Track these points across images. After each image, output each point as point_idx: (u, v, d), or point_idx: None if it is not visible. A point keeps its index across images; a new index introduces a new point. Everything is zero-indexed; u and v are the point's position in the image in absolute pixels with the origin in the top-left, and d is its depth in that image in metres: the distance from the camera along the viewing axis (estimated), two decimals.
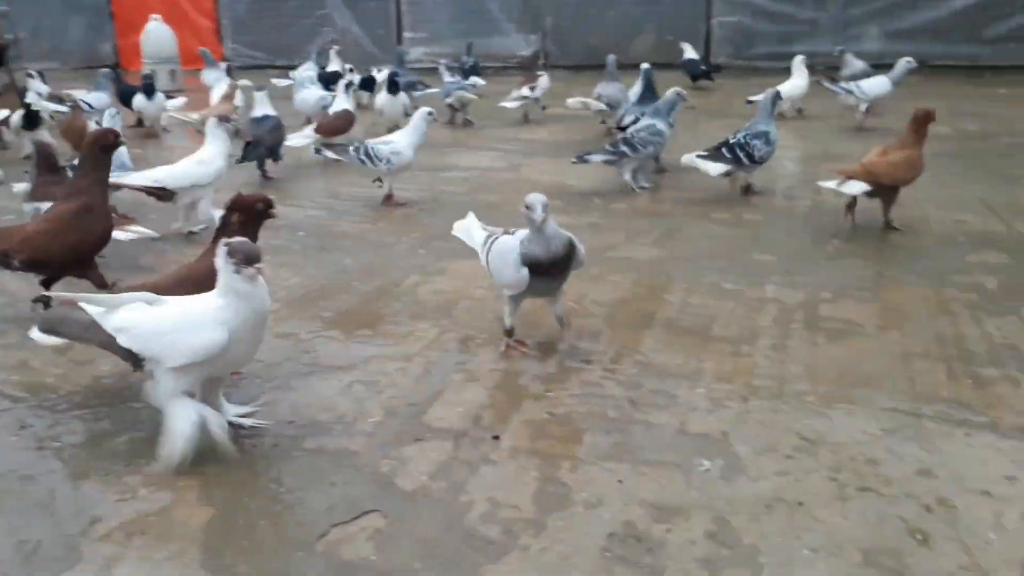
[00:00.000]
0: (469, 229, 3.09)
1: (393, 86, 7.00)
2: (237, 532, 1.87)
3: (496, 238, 2.84)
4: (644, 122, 5.22)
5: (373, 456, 2.18)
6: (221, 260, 2.05)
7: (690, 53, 10.01)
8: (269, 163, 5.59)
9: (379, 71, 8.68)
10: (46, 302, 2.87)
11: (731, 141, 4.70)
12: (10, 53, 7.31)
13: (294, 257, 3.91)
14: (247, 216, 2.60)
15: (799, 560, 1.75)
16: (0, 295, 3.43)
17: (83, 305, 2.18)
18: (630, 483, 2.03)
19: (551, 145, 6.79)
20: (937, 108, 4.06)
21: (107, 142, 3.19)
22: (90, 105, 7.30)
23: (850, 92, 6.92)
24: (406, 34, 12.94)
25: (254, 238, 2.49)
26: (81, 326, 2.20)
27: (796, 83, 7.51)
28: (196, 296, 2.16)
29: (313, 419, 2.38)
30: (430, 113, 4.81)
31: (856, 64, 8.36)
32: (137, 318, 2.13)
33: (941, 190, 4.78)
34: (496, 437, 2.26)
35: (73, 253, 3.11)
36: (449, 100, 7.76)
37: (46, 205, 3.60)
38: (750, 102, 7.08)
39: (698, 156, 4.70)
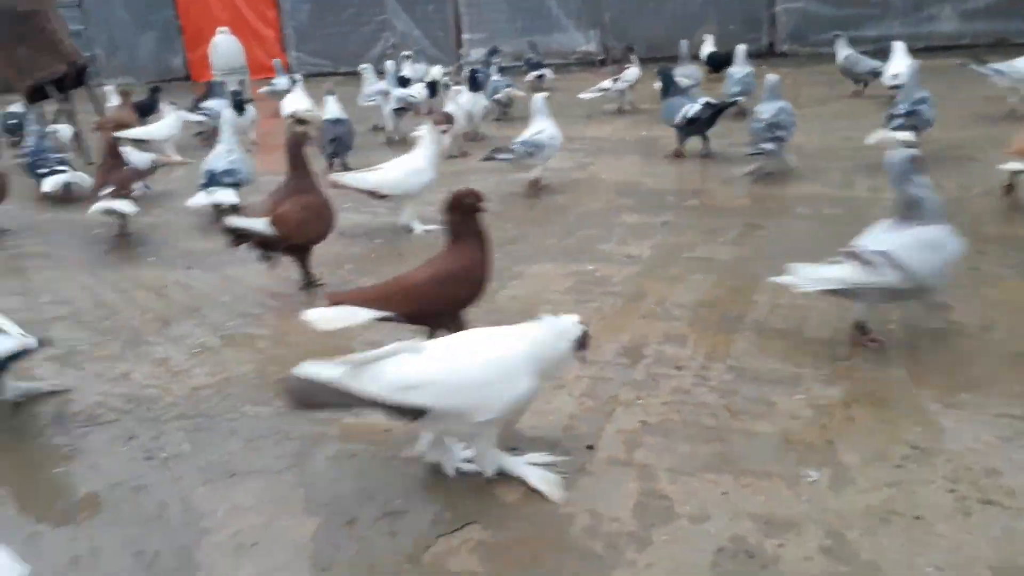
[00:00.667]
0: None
1: (474, 83, 7.02)
2: (345, 543, 1.89)
3: None
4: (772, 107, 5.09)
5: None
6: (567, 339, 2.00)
7: (710, 46, 9.74)
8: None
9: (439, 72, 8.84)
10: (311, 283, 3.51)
11: (901, 111, 4.89)
12: (89, 71, 7.57)
13: (371, 265, 3.95)
14: (464, 212, 2.59)
15: None
16: (100, 307, 3.55)
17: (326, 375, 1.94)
18: (735, 495, 1.98)
19: (618, 143, 6.72)
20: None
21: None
22: (206, 113, 7.50)
23: (1001, 73, 6.49)
24: (465, 35, 12.98)
25: (477, 233, 2.59)
26: (332, 392, 1.92)
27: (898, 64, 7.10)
28: (484, 340, 2.05)
29: (408, 428, 2.39)
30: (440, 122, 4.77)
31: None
32: (433, 372, 1.94)
33: None
34: (590, 447, 2.24)
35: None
36: (498, 96, 7.90)
37: None
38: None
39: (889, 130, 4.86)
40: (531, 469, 2.08)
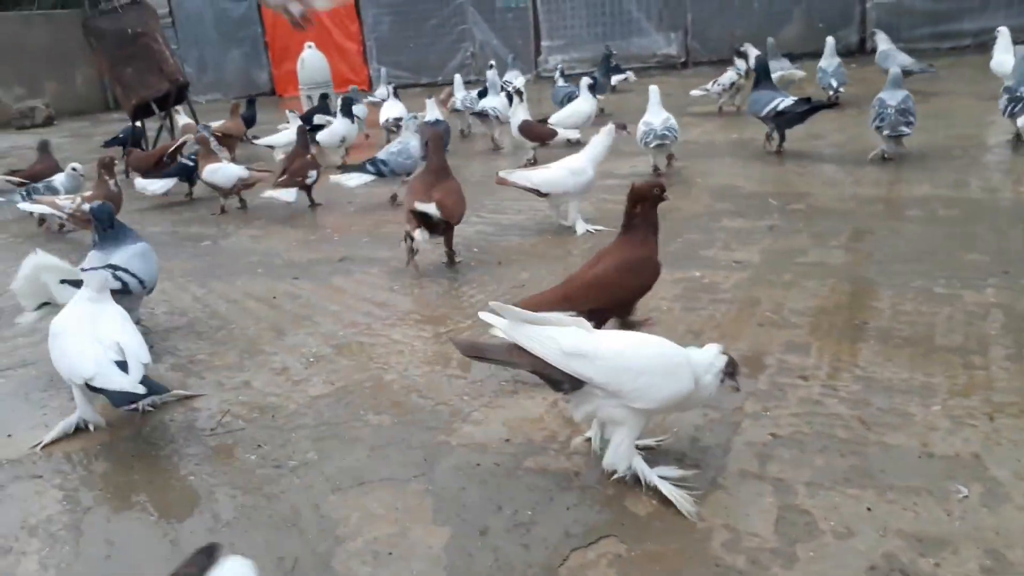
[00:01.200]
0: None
1: (593, 88, 7.04)
2: (480, 555, 1.89)
3: None
4: None
5: (595, 477, 2.15)
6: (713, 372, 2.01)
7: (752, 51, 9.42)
8: None
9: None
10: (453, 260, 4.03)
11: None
12: (188, 90, 7.90)
13: (473, 274, 3.97)
14: (647, 204, 2.69)
15: None
16: (214, 318, 3.67)
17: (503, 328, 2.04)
18: (880, 511, 1.90)
19: (707, 145, 6.60)
20: None
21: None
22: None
23: None
24: (543, 42, 13.02)
25: (654, 224, 2.71)
26: (500, 349, 2.07)
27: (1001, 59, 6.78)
28: (658, 340, 2.08)
29: (528, 437, 2.39)
30: (622, 127, 4.70)
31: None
32: (603, 348, 1.99)
33: None
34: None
35: None
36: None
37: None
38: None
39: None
40: (664, 481, 2.03)
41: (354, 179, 5.27)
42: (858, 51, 11.22)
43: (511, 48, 12.96)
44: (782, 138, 5.91)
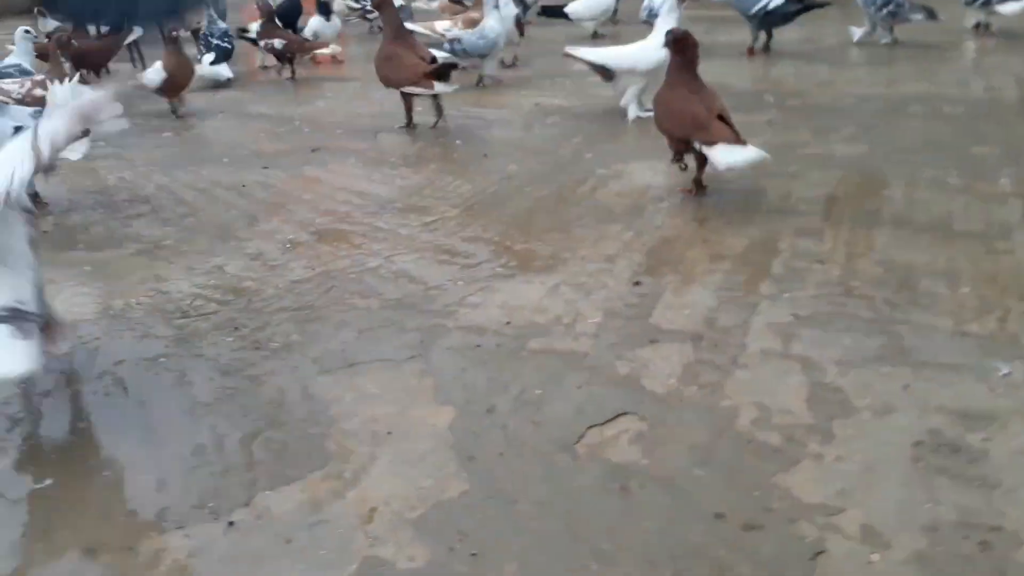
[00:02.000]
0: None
1: None
2: (488, 434, 1.73)
3: None
4: None
5: (606, 358, 1.99)
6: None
7: None
8: None
9: None
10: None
11: None
12: None
13: (457, 166, 3.73)
14: (687, 51, 3.05)
15: None
16: (180, 205, 3.40)
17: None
18: (918, 388, 1.77)
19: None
20: None
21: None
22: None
23: None
24: None
25: (694, 72, 3.05)
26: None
27: None
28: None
29: (529, 320, 2.21)
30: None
31: None
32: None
33: None
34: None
35: None
36: None
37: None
38: None
39: None
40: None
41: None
42: None
43: None
44: (769, 37, 5.67)
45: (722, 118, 2.87)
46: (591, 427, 1.73)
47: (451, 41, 5.24)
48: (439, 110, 4.31)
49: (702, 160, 2.95)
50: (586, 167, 3.55)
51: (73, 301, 2.52)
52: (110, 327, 2.34)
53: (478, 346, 2.09)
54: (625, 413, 1.77)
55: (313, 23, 6.94)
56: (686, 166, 3.07)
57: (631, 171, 3.43)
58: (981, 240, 2.49)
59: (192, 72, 5.18)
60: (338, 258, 2.73)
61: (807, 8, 5.52)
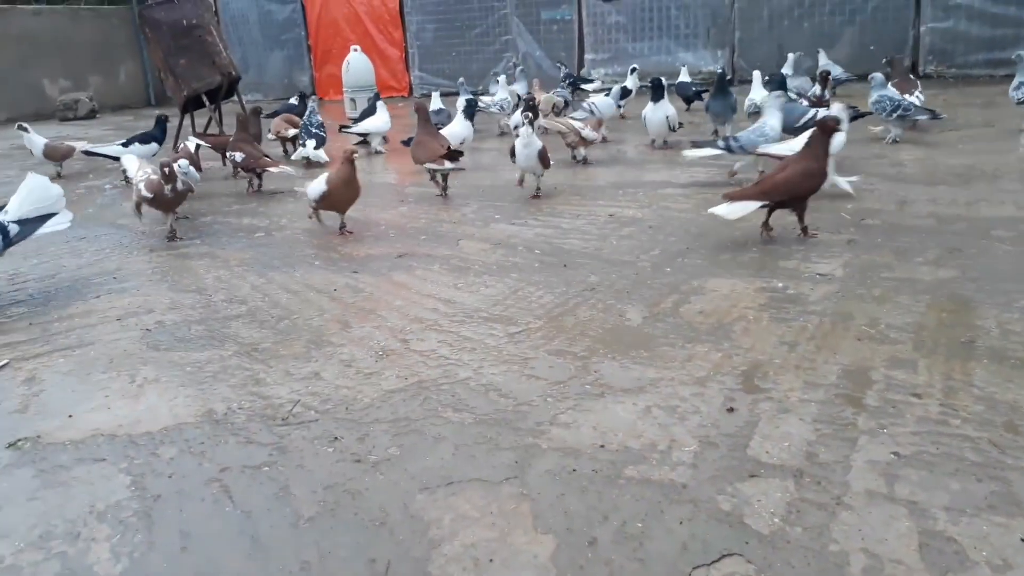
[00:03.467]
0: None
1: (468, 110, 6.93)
2: (592, 568, 1.72)
3: None
4: None
5: (707, 491, 1.98)
6: None
7: (683, 76, 9.45)
8: None
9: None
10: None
11: None
12: (239, 85, 7.85)
13: (540, 276, 3.82)
14: (827, 132, 4.02)
15: None
16: (275, 307, 3.55)
17: None
18: None
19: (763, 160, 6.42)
20: None
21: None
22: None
23: None
24: (588, 55, 12.92)
25: (826, 147, 4.03)
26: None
27: None
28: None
29: (624, 444, 2.22)
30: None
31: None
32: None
33: None
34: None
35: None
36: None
37: None
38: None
39: None
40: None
41: (701, 152, 5.56)
42: (911, 75, 11.01)
43: (554, 59, 12.88)
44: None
45: None
46: (697, 567, 1.71)
47: (725, 139, 5.52)
48: (444, 186, 5.66)
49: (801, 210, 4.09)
50: (666, 281, 3.60)
51: (176, 403, 2.64)
52: (214, 432, 2.43)
53: (574, 470, 2.11)
54: (731, 554, 1.75)
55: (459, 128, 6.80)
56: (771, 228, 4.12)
57: (712, 287, 3.46)
58: None
59: (358, 191, 4.76)
60: (429, 368, 2.80)
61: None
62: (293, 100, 9.08)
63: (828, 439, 2.18)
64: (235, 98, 7.72)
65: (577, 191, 5.67)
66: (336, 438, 2.34)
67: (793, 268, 3.64)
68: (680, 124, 7.20)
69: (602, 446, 2.22)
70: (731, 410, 2.38)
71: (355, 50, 11.41)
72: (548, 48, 13.14)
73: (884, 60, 8.71)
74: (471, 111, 6.85)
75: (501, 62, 13.43)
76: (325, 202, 4.78)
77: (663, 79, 7.05)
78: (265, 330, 3.27)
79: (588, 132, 6.51)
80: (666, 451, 2.18)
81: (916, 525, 1.80)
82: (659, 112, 6.87)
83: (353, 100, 10.81)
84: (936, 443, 2.13)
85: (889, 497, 1.91)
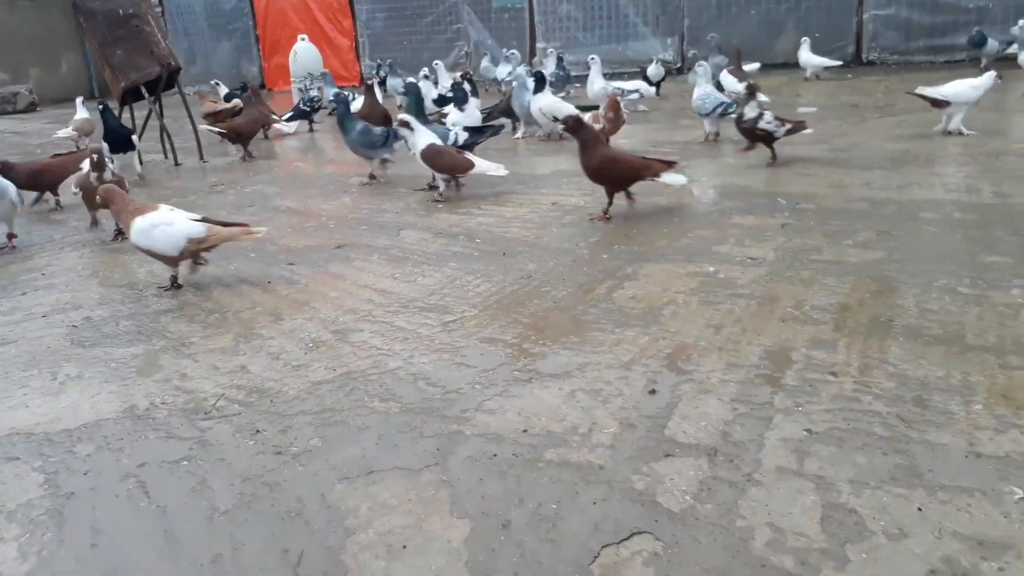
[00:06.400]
0: None
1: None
2: (503, 550, 1.74)
3: None
4: None
5: (623, 471, 2.01)
6: None
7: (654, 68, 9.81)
8: None
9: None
10: None
11: None
12: (180, 77, 7.67)
13: (478, 264, 3.82)
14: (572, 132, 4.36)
15: None
16: (207, 300, 3.50)
17: None
18: (932, 512, 1.77)
19: (708, 146, 6.50)
20: None
21: None
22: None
23: None
24: (539, 44, 12.92)
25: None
26: None
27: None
28: None
29: (546, 428, 2.24)
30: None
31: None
32: None
33: None
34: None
35: None
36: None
37: None
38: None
39: None
40: None
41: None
42: (854, 62, 11.23)
43: (505, 48, 12.85)
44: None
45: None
46: (606, 546, 1.74)
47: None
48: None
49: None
50: (603, 268, 3.63)
51: (97, 400, 2.59)
52: (134, 428, 2.39)
53: (495, 456, 2.12)
54: (640, 532, 1.78)
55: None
56: None
57: (646, 273, 3.50)
58: (995, 354, 2.51)
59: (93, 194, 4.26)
60: (359, 359, 2.79)
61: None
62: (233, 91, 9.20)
63: (744, 418, 2.23)
64: (175, 90, 7.54)
65: (521, 180, 5.68)
66: (258, 431, 2.33)
67: (726, 253, 3.70)
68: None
69: (525, 431, 2.24)
70: (653, 392, 2.41)
71: (302, 39, 11.27)
72: (500, 37, 13.10)
73: (713, 44, 9.00)
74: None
75: (453, 51, 13.36)
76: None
77: (544, 71, 7.28)
78: (195, 324, 3.23)
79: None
80: (586, 434, 2.20)
81: (821, 499, 1.85)
82: (536, 104, 6.91)
83: (301, 90, 10.67)
84: (847, 419, 2.18)
85: (798, 473, 1.96)
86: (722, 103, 6.45)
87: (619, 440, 2.16)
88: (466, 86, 7.08)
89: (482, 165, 5.06)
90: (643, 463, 2.04)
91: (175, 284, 3.68)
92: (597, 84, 8.15)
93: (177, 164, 7.45)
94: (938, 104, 6.09)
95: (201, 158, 7.58)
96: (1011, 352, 2.51)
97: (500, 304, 3.27)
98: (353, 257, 4.04)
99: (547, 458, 2.09)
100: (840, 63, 10.20)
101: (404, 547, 1.77)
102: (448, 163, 5.06)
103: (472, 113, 6.75)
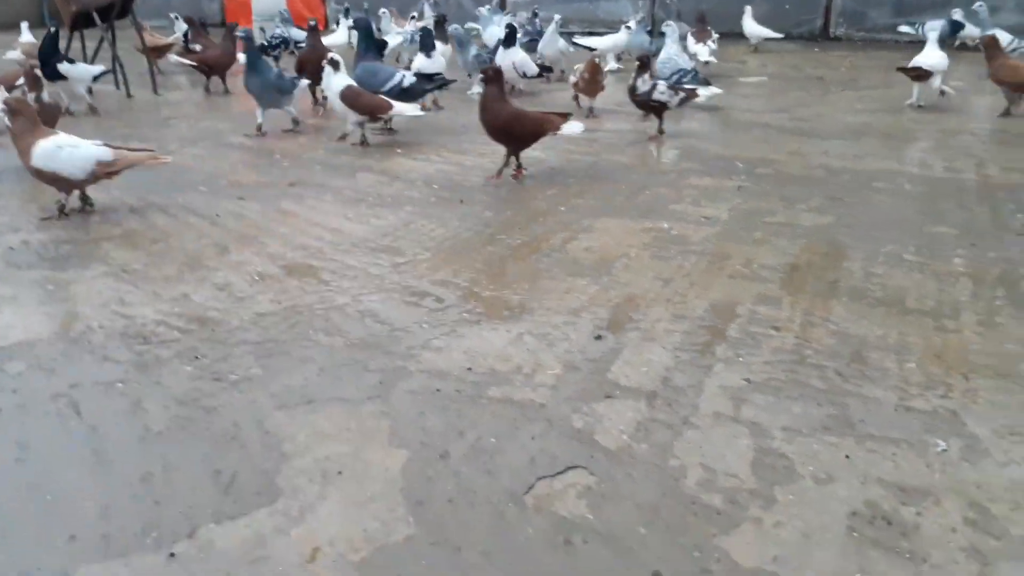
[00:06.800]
0: None
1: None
2: (439, 480, 1.74)
3: None
4: None
5: (562, 410, 2.03)
6: None
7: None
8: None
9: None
10: None
11: None
12: (135, 5, 7.36)
13: (434, 209, 3.78)
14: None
15: None
16: (151, 230, 3.41)
17: None
18: (859, 460, 1.82)
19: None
20: None
21: None
22: None
23: None
24: None
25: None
26: None
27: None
28: None
29: (491, 368, 2.24)
30: None
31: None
32: None
33: None
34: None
35: None
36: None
37: None
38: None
39: None
40: None
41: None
42: (822, 36, 11.28)
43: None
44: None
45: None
46: (541, 479, 1.75)
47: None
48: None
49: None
50: (559, 219, 3.62)
51: (32, 321, 2.51)
52: (68, 350, 2.33)
53: (438, 391, 2.11)
54: (576, 467, 1.79)
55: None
56: None
57: (601, 226, 3.50)
58: (932, 317, 2.57)
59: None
60: (306, 294, 2.75)
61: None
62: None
63: (686, 365, 2.26)
64: (129, 19, 7.24)
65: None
66: (197, 357, 2.28)
67: (681, 211, 3.71)
68: (539, 72, 7.02)
69: (469, 368, 2.24)
70: (599, 338, 2.43)
71: None
72: None
73: (674, 10, 9.02)
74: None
75: None
76: None
77: (515, 25, 6.98)
78: (138, 252, 3.14)
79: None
80: (530, 374, 2.21)
81: (754, 444, 1.88)
82: (507, 59, 6.67)
83: (263, 29, 10.34)
84: (787, 371, 2.22)
85: (734, 419, 1.99)
86: (680, 70, 6.36)
87: (562, 381, 2.18)
88: (434, 33, 6.91)
89: (400, 107, 4.92)
90: (584, 403, 2.06)
91: (63, 212, 3.55)
92: (560, 43, 7.89)
93: (129, 96, 7.19)
94: (921, 77, 6.12)
95: (155, 91, 7.33)
96: (947, 316, 2.57)
97: (454, 249, 3.24)
98: (305, 195, 3.96)
99: (490, 395, 2.10)
100: (781, 36, 10.12)
101: (340, 473, 1.76)
102: (366, 104, 4.88)
103: (438, 60, 6.61)
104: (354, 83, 4.92)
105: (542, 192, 4.08)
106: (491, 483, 1.73)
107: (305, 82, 5.46)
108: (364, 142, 5.05)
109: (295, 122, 5.48)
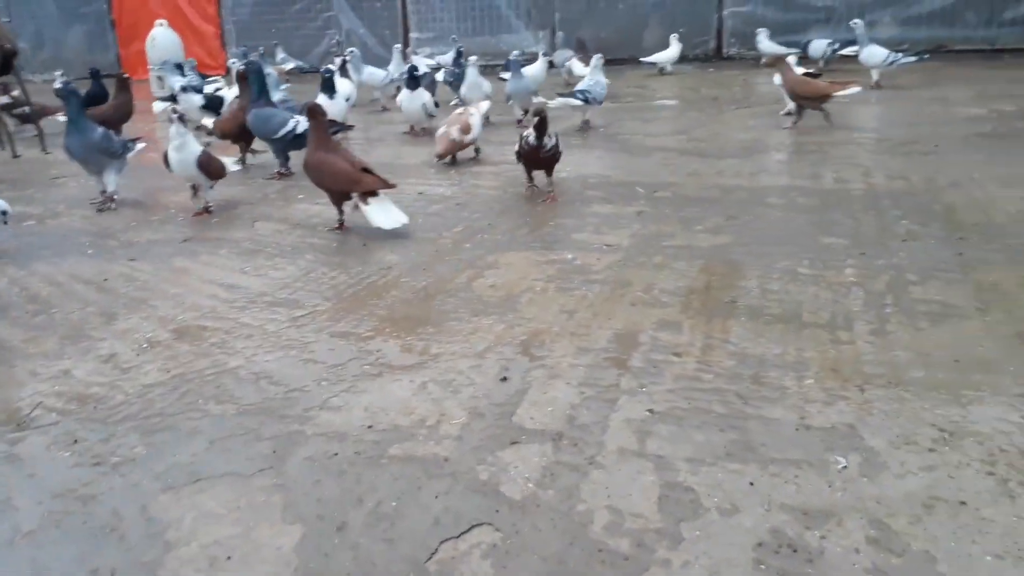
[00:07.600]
0: None
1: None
2: (336, 555, 1.65)
3: None
4: None
5: (467, 462, 1.97)
6: None
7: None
8: None
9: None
10: None
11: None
12: (18, 61, 7.04)
13: (336, 256, 3.69)
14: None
15: (983, 568, 1.54)
16: (32, 302, 3.21)
17: None
18: (763, 485, 1.82)
19: (577, 135, 6.58)
20: (966, 91, 3.85)
21: None
22: None
23: None
24: (412, 34, 12.73)
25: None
26: None
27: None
28: None
29: (393, 423, 2.17)
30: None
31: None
32: None
33: (997, 168, 4.59)
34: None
35: None
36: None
37: None
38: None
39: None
40: None
41: (559, 102, 6.34)
42: (715, 57, 11.69)
43: (378, 38, 12.61)
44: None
45: (367, 170, 3.83)
46: (445, 541, 1.68)
47: (582, 91, 6.43)
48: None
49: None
50: (464, 257, 3.58)
51: None
52: None
53: (336, 455, 2.03)
54: (481, 524, 1.73)
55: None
56: None
57: (507, 261, 3.48)
58: (827, 330, 2.63)
59: None
60: (197, 359, 2.62)
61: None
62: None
63: (591, 401, 2.23)
64: (11, 76, 6.93)
65: (390, 169, 5.51)
66: (76, 440, 2.14)
67: (584, 240, 3.72)
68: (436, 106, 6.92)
69: (370, 427, 2.16)
70: (505, 379, 2.38)
71: (160, 24, 10.63)
72: (372, 26, 12.83)
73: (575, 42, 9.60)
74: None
75: (324, 39, 12.98)
76: None
77: (418, 68, 6.78)
78: (16, 328, 2.95)
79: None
80: (434, 426, 2.15)
81: (659, 478, 1.86)
82: (415, 100, 6.57)
83: (160, 79, 10.07)
84: (688, 398, 2.22)
85: (639, 453, 1.97)
86: (578, 91, 6.54)
87: (467, 430, 2.12)
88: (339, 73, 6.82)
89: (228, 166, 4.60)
90: (489, 452, 2.01)
91: None
92: (484, 85, 7.59)
93: (16, 156, 6.86)
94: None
95: (43, 149, 7.01)
96: (841, 328, 2.64)
97: (356, 296, 3.16)
98: (200, 251, 3.81)
99: (391, 454, 2.02)
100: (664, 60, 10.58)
101: (228, 558, 1.66)
102: (217, 169, 4.45)
103: (339, 104, 6.53)
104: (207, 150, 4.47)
105: (448, 230, 4.04)
106: (391, 553, 1.65)
107: (141, 145, 4.90)
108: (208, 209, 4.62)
109: (107, 196, 4.71)
